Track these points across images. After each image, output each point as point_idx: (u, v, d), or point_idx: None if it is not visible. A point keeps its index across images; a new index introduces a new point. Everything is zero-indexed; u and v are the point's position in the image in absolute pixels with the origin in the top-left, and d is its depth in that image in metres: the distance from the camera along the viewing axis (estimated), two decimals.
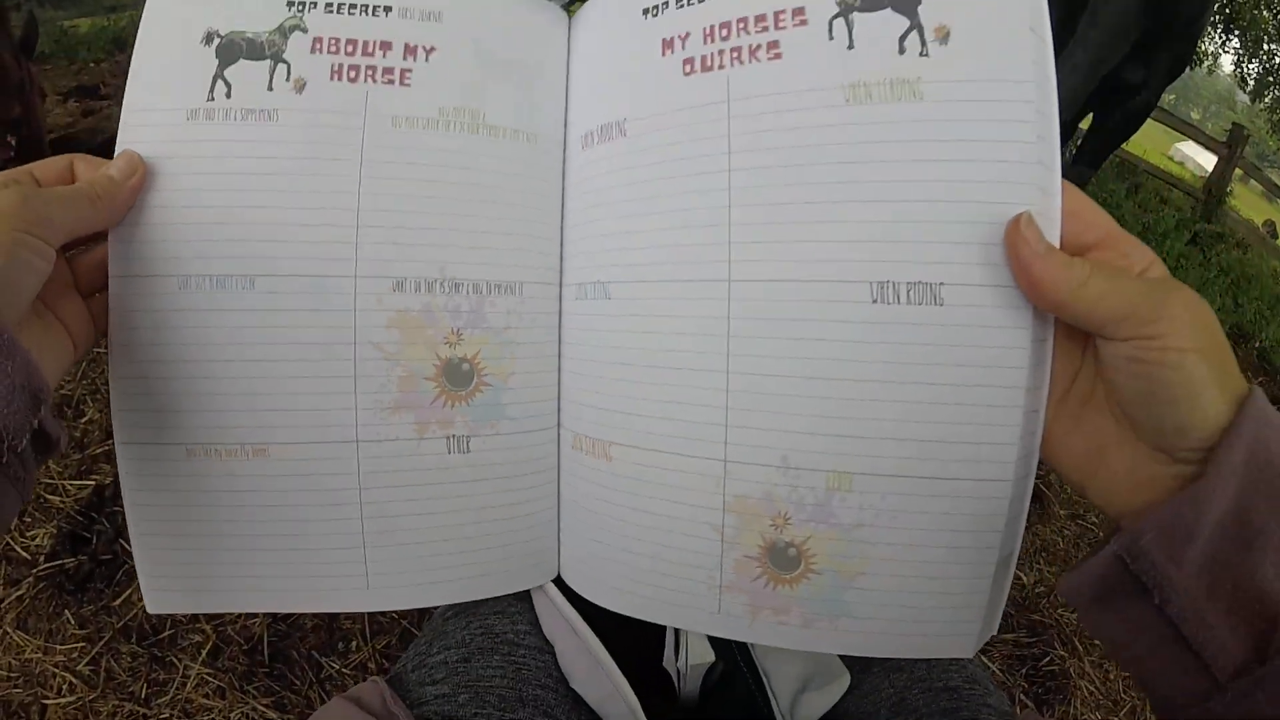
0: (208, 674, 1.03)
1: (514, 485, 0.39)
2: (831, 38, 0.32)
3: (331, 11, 0.37)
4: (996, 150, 0.30)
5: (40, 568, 1.12)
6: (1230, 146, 4.59)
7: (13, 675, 1.03)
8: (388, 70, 0.37)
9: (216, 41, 0.36)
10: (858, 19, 0.32)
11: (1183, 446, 0.27)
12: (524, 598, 0.46)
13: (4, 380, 0.27)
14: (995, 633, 0.34)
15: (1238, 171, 4.83)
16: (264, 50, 0.36)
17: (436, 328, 0.37)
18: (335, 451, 0.37)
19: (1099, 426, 0.31)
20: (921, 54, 0.31)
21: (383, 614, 1.11)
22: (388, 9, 0.38)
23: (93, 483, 1.24)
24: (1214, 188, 4.63)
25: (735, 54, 0.33)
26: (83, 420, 1.36)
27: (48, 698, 1.01)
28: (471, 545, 0.39)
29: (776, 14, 0.33)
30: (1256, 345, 3.11)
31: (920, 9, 0.31)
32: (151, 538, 0.37)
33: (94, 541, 1.15)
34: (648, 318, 0.35)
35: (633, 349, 0.35)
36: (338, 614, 1.11)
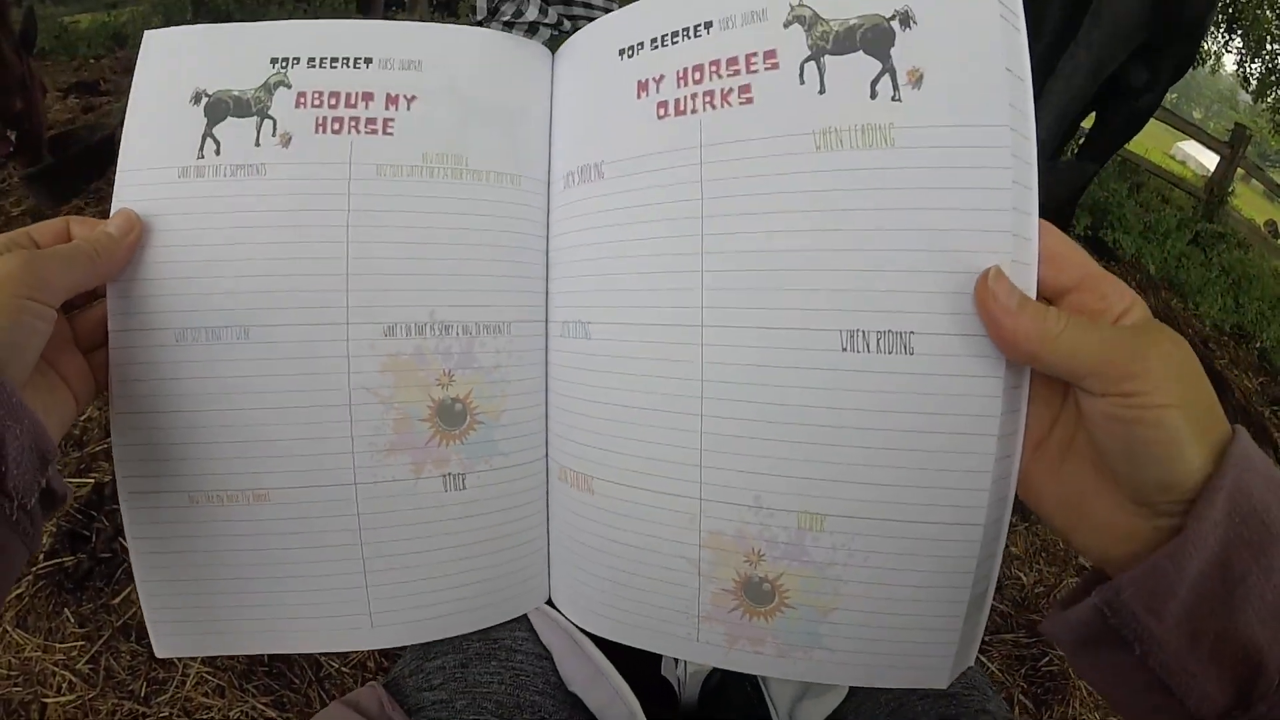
0: (207, 672, 1.03)
1: (509, 517, 0.40)
2: (803, 82, 0.32)
3: (314, 66, 0.38)
4: (970, 198, 0.29)
5: (39, 566, 1.12)
6: (1232, 146, 4.58)
7: (12, 674, 1.03)
8: (370, 120, 0.38)
9: (205, 100, 0.38)
10: (829, 62, 0.31)
11: (1165, 500, 0.27)
12: None
13: (14, 442, 0.28)
14: (971, 663, 0.34)
15: (1240, 171, 4.83)
16: (250, 107, 0.38)
17: (428, 370, 0.38)
18: (334, 494, 0.38)
19: (1079, 475, 0.30)
20: (894, 98, 0.30)
21: None
22: (368, 60, 0.39)
23: (92, 480, 1.24)
24: (1216, 187, 4.63)
25: (708, 98, 0.33)
26: (82, 419, 1.36)
27: (47, 696, 1.01)
28: (469, 578, 0.40)
29: (748, 57, 0.33)
30: (1257, 345, 3.11)
31: (893, 51, 0.30)
32: (157, 583, 0.38)
33: (93, 539, 1.15)
34: (625, 359, 0.35)
35: (611, 388, 0.36)
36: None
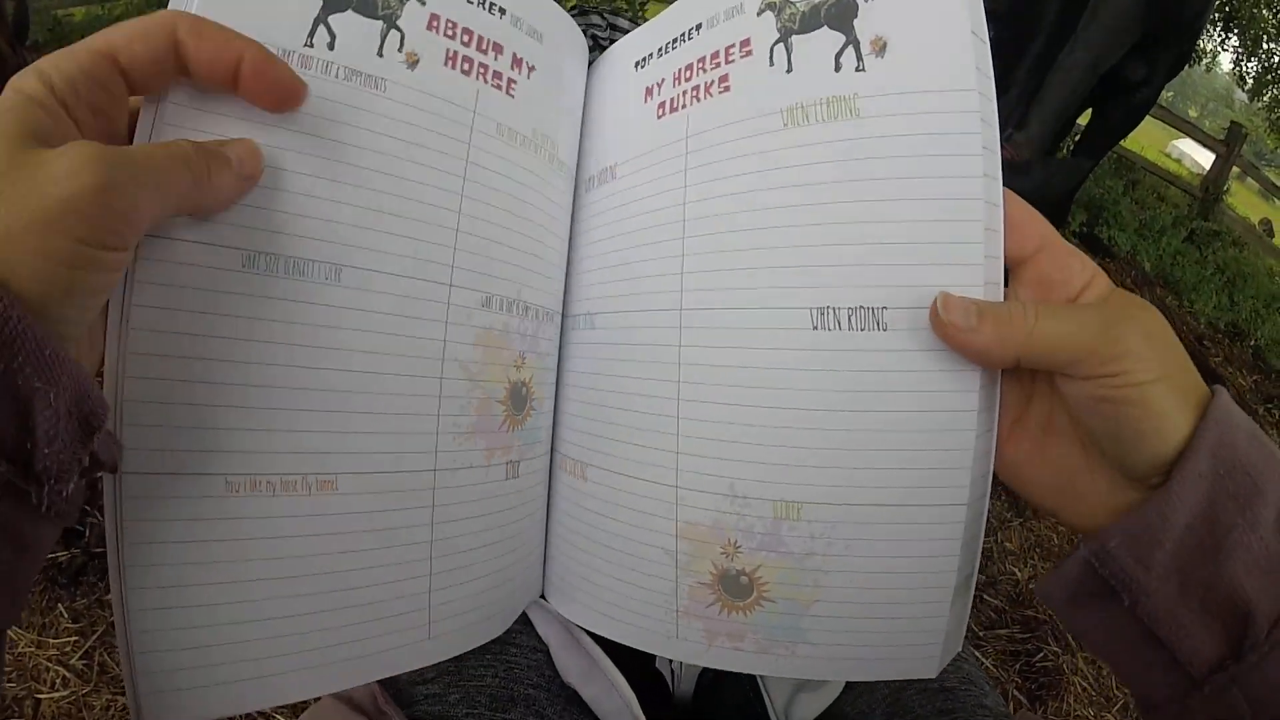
0: None
1: (538, 508, 0.39)
2: (772, 64, 0.32)
3: None
4: (940, 165, 0.29)
5: None
6: (1228, 144, 4.59)
7: (6, 670, 1.02)
8: (497, 74, 0.35)
9: None
10: (796, 41, 0.31)
11: (1155, 472, 0.27)
12: None
13: (45, 410, 0.21)
14: (959, 649, 0.33)
15: (1235, 169, 4.84)
16: (378, 8, 0.31)
17: (510, 349, 0.35)
18: (412, 482, 0.32)
19: (1065, 455, 0.30)
20: (858, 69, 0.30)
21: None
22: (502, 10, 0.35)
23: None
24: (1211, 185, 4.63)
25: (695, 92, 0.34)
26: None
27: (41, 692, 1.01)
28: (509, 574, 0.37)
29: (727, 49, 0.33)
30: (1252, 343, 3.12)
31: (856, 23, 0.30)
32: (162, 613, 0.27)
33: (86, 534, 1.15)
34: (622, 346, 0.36)
35: (608, 375, 0.36)
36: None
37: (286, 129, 0.29)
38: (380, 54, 0.31)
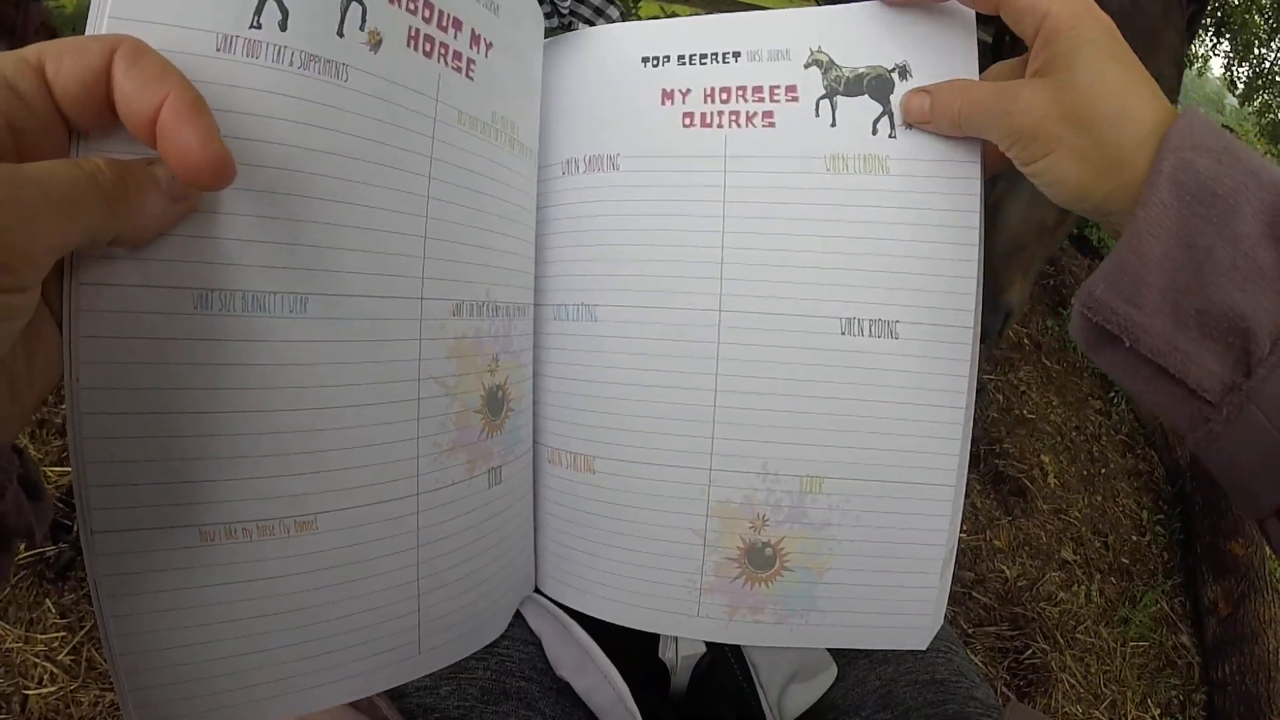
0: None
1: (525, 506, 0.39)
2: (818, 115, 0.37)
3: None
4: (946, 218, 0.35)
5: (20, 556, 1.11)
6: None
7: None
8: (457, 55, 0.32)
9: None
10: (840, 101, 0.37)
11: (1096, 216, 0.31)
12: None
13: None
14: (941, 624, 0.38)
15: None
16: None
17: (483, 355, 0.34)
18: (395, 510, 0.31)
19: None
20: (890, 136, 0.36)
21: None
22: None
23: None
24: None
25: (734, 116, 0.38)
26: (63, 405, 1.34)
27: (29, 688, 1.00)
28: (500, 576, 0.37)
29: (772, 88, 0.37)
30: None
31: (891, 98, 0.36)
32: (144, 655, 0.26)
33: (74, 529, 1.14)
34: (638, 340, 0.38)
35: (621, 368, 0.38)
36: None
37: (234, 139, 0.25)
38: (340, 33, 0.27)
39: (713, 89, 0.38)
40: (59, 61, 0.21)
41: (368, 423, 0.29)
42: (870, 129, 0.36)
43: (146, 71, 0.21)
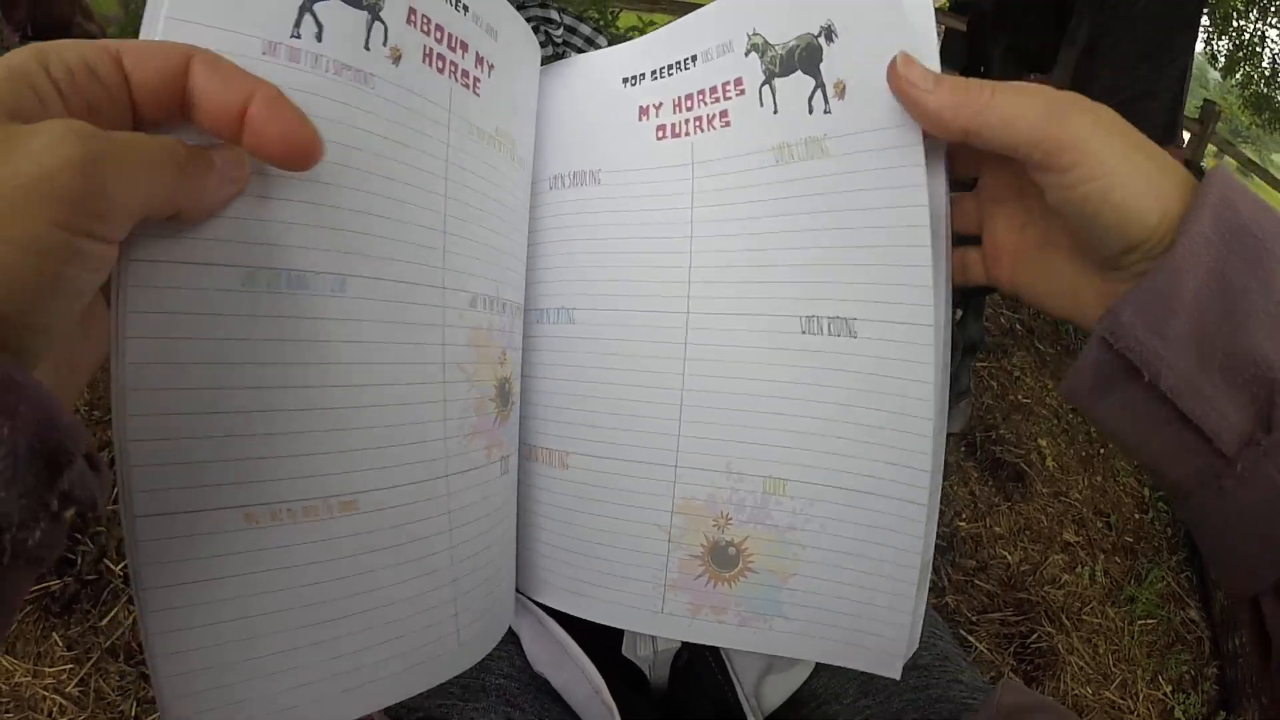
0: None
1: (514, 498, 0.40)
2: (762, 104, 0.35)
3: None
4: (890, 198, 0.32)
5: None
6: (1202, 123, 4.62)
7: (3, 700, 1.02)
8: (465, 73, 0.34)
9: None
10: (779, 84, 0.34)
11: (1138, 260, 0.27)
12: None
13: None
14: (917, 646, 0.35)
15: (1211, 148, 4.88)
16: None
17: (494, 347, 0.36)
18: (429, 490, 0.32)
19: (1067, 266, 0.31)
20: (825, 111, 0.33)
21: None
22: (465, 7, 0.34)
23: None
24: (1187, 164, 4.67)
25: (698, 122, 0.37)
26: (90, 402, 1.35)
27: None
28: (508, 566, 0.38)
29: (724, 85, 0.36)
30: None
31: (822, 66, 0.33)
32: (185, 654, 0.25)
33: (79, 562, 1.15)
34: (612, 341, 0.39)
35: (595, 367, 0.39)
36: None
37: None
38: (367, 47, 0.29)
39: (679, 98, 0.38)
40: (139, 57, 0.22)
41: (401, 401, 0.30)
42: (807, 108, 0.34)
43: (228, 73, 0.24)
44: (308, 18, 0.27)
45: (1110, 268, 0.28)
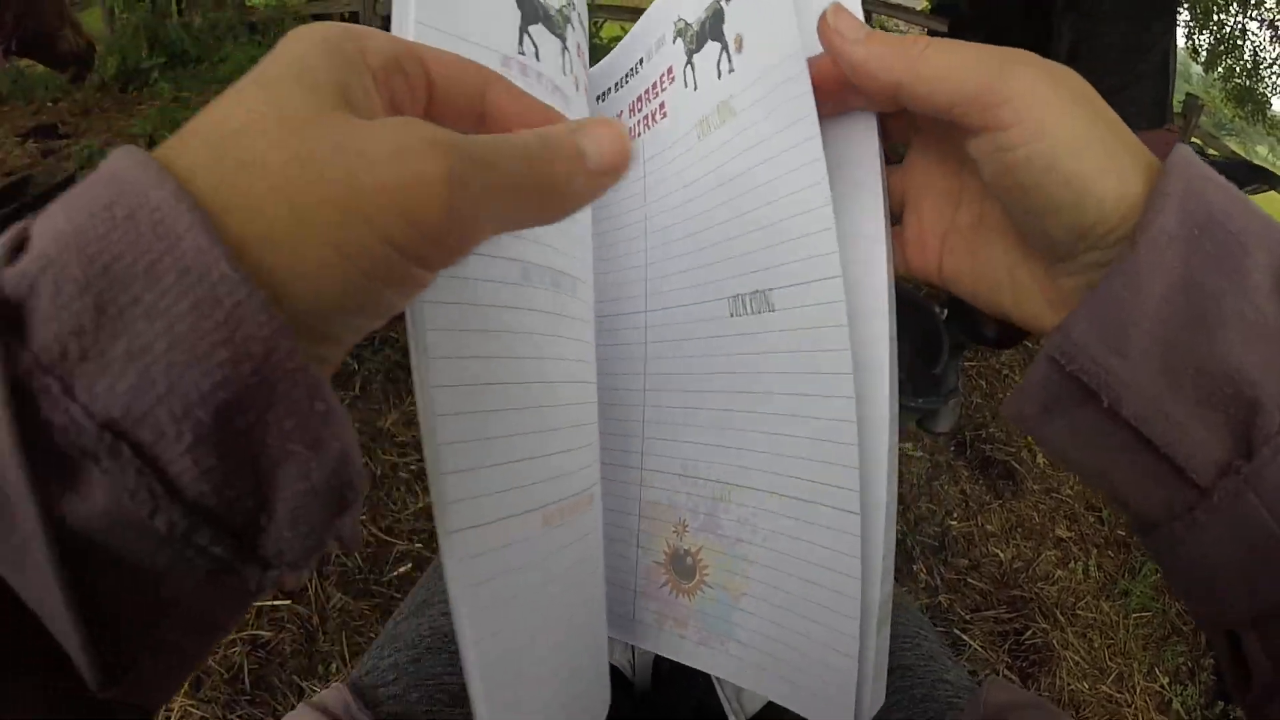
0: (190, 705, 1.03)
1: None
2: (686, 85, 0.34)
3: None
4: (787, 139, 0.29)
5: None
6: (1186, 117, 4.65)
7: None
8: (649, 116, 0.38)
9: None
10: (696, 60, 0.33)
11: (1088, 249, 0.24)
12: None
13: (296, 483, 0.16)
14: (883, 702, 0.30)
15: (1195, 141, 4.91)
16: (558, 25, 0.31)
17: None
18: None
19: (996, 247, 0.28)
20: (730, 70, 0.31)
21: (360, 635, 1.11)
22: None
23: None
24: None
25: (646, 120, 0.37)
26: None
27: None
28: None
29: (660, 78, 0.36)
30: None
31: (724, 27, 0.31)
32: (505, 666, 0.25)
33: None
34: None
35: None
36: (316, 636, 1.11)
37: None
38: (564, 72, 0.31)
39: (632, 102, 0.38)
40: (444, 66, 0.22)
41: (601, 400, 0.33)
42: (717, 73, 0.32)
43: (529, 102, 0.23)
44: (527, 39, 0.29)
45: (1056, 258, 0.25)
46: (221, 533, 0.15)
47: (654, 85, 0.36)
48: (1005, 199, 0.25)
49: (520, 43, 0.29)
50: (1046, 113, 0.23)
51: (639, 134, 0.38)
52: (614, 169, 0.21)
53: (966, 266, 0.29)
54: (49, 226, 0.15)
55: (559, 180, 0.19)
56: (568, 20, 0.31)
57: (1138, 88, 1.47)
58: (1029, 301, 0.27)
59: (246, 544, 0.16)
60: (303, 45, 0.18)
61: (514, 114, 0.23)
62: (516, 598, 0.25)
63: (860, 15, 0.28)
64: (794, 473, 0.30)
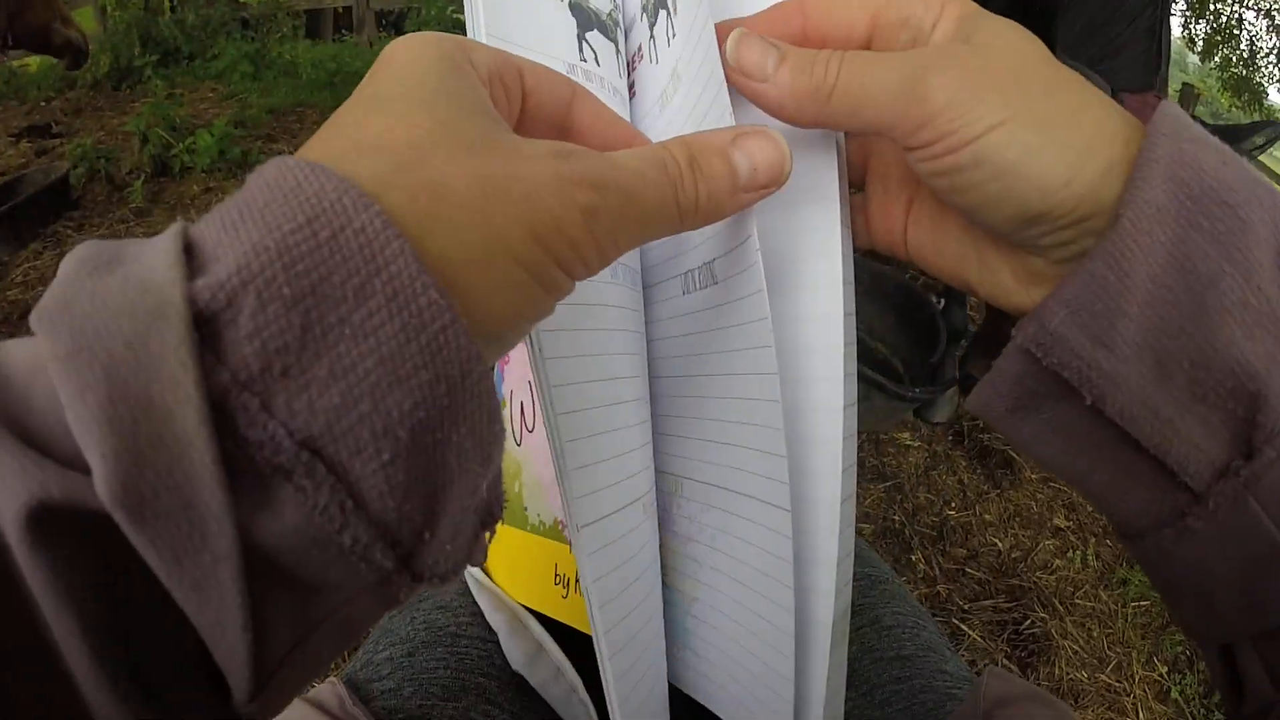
0: None
1: None
2: (651, 60, 0.33)
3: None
4: (706, 92, 0.26)
5: None
6: (1182, 106, 4.66)
7: None
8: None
9: (568, 0, 0.30)
10: (656, 33, 0.32)
11: (1046, 234, 0.21)
12: (465, 591, 0.47)
13: (463, 498, 0.16)
14: None
15: None
16: (610, 30, 0.32)
17: None
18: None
19: (960, 226, 0.26)
20: (672, 35, 0.30)
21: None
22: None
23: None
24: None
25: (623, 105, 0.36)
26: None
27: None
28: None
29: (632, 59, 0.34)
30: None
31: None
32: (625, 655, 0.27)
33: None
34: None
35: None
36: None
37: None
38: (620, 74, 0.32)
39: (613, 87, 0.36)
40: (537, 78, 0.23)
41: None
42: (667, 41, 0.30)
43: (606, 113, 0.24)
44: (586, 47, 0.30)
45: (1016, 243, 0.23)
46: (389, 545, 0.15)
47: (628, 67, 0.35)
48: (944, 199, 0.23)
49: (580, 50, 0.30)
50: (968, 125, 0.20)
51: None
52: (772, 182, 0.22)
53: (928, 240, 0.27)
54: (234, 238, 0.14)
55: (688, 207, 0.20)
56: (617, 24, 0.32)
57: (1126, 54, 1.47)
58: (996, 277, 0.25)
59: (407, 556, 0.16)
60: (421, 62, 0.19)
61: (596, 127, 0.24)
62: (629, 587, 0.27)
63: None
64: (730, 462, 0.27)
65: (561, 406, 0.24)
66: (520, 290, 0.17)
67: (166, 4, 3.82)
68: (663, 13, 0.30)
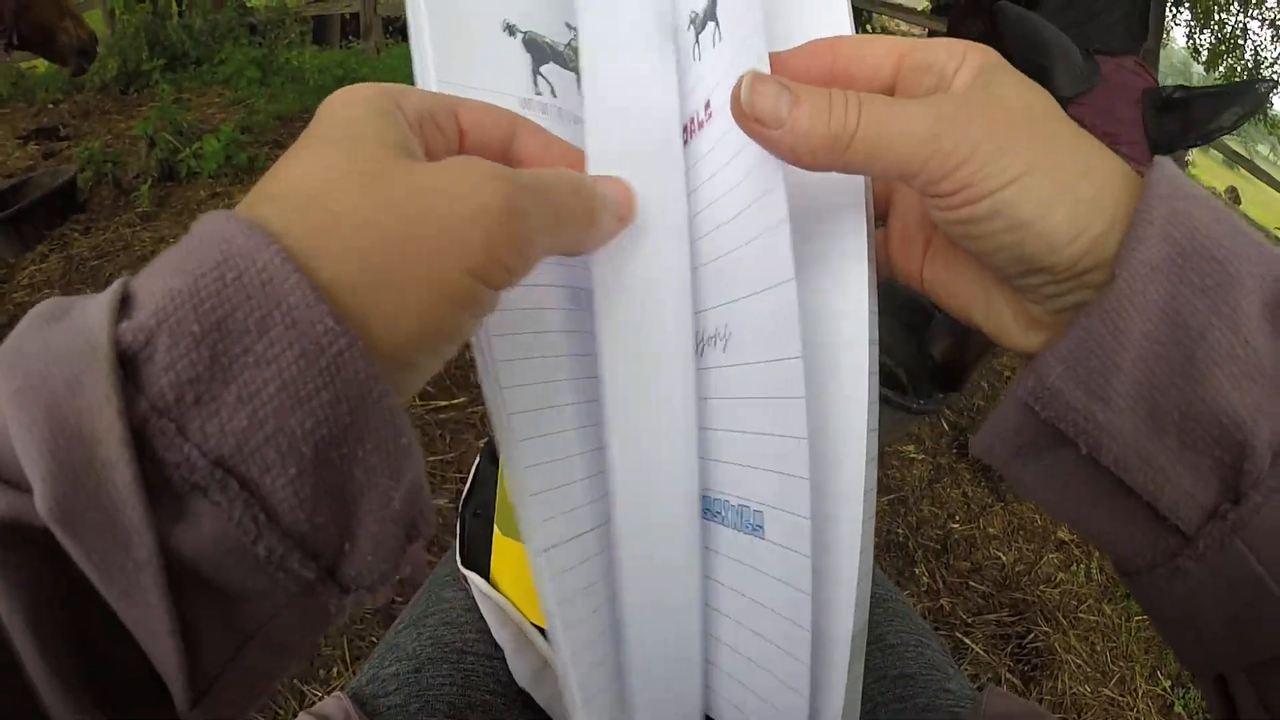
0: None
1: None
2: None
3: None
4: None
5: None
6: None
7: None
8: None
9: (519, 35, 0.31)
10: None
11: (1047, 284, 0.22)
12: (472, 607, 0.47)
13: (378, 510, 0.18)
14: None
15: None
16: (567, 61, 0.32)
17: None
18: None
19: (973, 268, 0.27)
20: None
21: (361, 639, 1.11)
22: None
23: None
24: (1174, 157, 4.69)
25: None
26: None
27: None
28: None
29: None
30: None
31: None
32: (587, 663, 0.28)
33: None
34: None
35: None
36: (319, 641, 1.11)
37: None
38: (580, 103, 0.32)
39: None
40: (475, 116, 0.24)
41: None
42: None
43: (549, 140, 0.26)
44: (540, 78, 0.31)
45: (1018, 288, 0.24)
46: (309, 556, 0.17)
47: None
48: (956, 242, 0.24)
49: (535, 84, 0.31)
50: (990, 177, 0.21)
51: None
52: (624, 217, 0.25)
53: (943, 278, 0.28)
54: (158, 285, 0.16)
55: (596, 210, 0.23)
56: (577, 52, 0.31)
57: (1101, 19, 1.48)
58: (1000, 319, 0.26)
59: (331, 568, 0.18)
60: (351, 109, 0.20)
61: (539, 154, 0.25)
62: (597, 610, 0.28)
63: (850, 21, 0.28)
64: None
65: (521, 434, 0.26)
66: (425, 307, 0.18)
67: (174, 8, 3.84)
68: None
